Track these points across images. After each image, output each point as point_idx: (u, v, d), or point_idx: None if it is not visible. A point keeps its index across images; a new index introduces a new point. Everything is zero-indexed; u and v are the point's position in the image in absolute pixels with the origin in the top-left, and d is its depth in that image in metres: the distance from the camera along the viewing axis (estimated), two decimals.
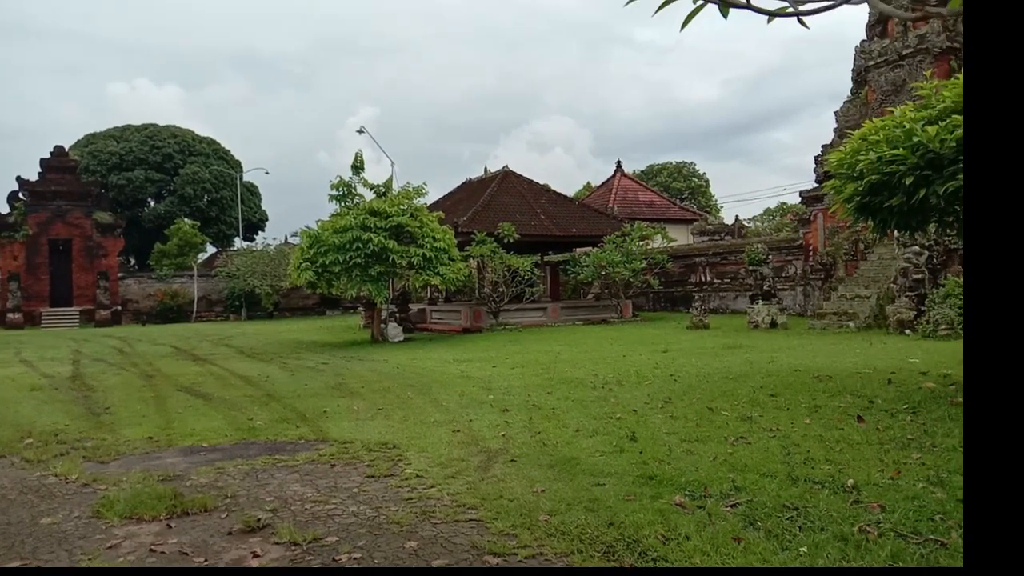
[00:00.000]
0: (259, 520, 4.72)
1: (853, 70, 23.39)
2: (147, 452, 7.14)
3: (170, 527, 4.74)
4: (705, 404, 8.44)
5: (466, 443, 6.90)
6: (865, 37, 23.05)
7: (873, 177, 8.02)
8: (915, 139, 7.50)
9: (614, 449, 6.35)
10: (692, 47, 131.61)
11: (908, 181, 7.50)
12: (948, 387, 8.88)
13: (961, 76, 7.90)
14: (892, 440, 6.30)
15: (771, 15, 3.79)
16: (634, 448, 6.34)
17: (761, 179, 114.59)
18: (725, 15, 3.84)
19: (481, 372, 12.53)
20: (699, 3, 3.75)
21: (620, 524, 4.39)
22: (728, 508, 4.63)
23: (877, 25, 22.58)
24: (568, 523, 4.46)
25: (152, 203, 52.49)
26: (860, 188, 8.31)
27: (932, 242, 18.41)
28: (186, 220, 48.03)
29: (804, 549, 3.92)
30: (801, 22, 4.86)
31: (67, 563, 4.19)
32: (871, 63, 22.28)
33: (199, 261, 45.86)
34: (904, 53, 21.29)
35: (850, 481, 5.05)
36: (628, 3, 3.36)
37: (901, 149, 7.61)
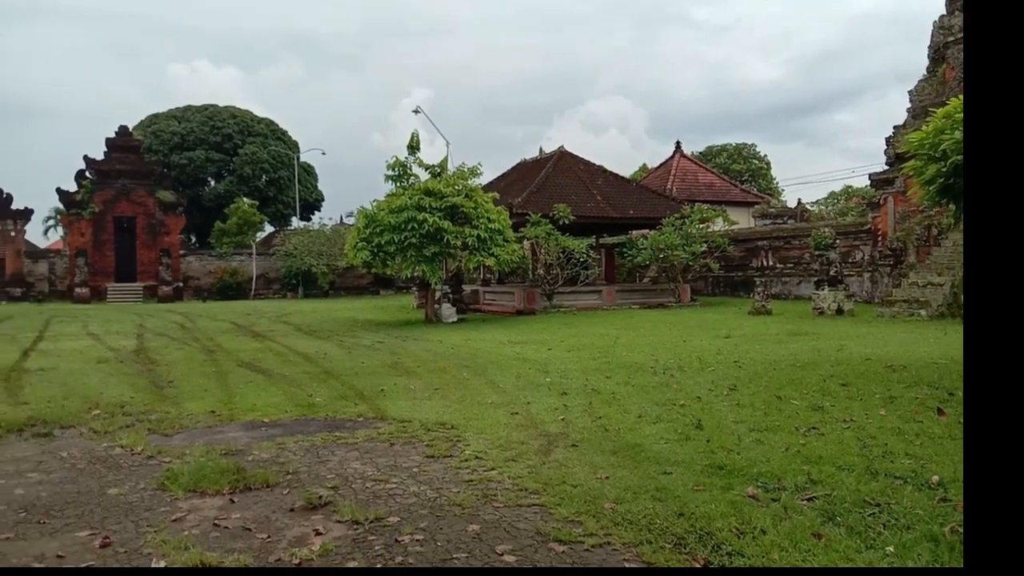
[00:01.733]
0: (321, 497, 4.68)
1: (930, 47, 22.35)
2: (210, 426, 7.21)
3: (233, 502, 4.74)
4: (772, 392, 8.14)
5: (525, 426, 6.77)
6: (945, 12, 21.96)
7: (958, 158, 7.57)
8: None
9: (679, 437, 6.14)
10: (751, 26, 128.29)
11: None
12: None
13: None
14: None
15: None
16: (700, 436, 6.12)
17: (823, 161, 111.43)
18: None
19: (536, 354, 12.39)
20: None
21: (690, 515, 4.20)
22: (804, 502, 4.40)
23: None
24: (635, 512, 4.29)
25: (212, 182, 53.73)
26: (943, 169, 7.87)
27: None
28: (245, 199, 49.01)
29: (891, 548, 3.68)
30: None
31: (133, 534, 4.21)
32: (951, 39, 21.23)
33: (257, 240, 46.82)
34: None
35: (935, 477, 4.76)
36: None
37: None
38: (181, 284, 40.27)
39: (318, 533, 4.15)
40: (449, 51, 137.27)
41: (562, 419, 7.00)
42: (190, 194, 47.77)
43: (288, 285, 42.02)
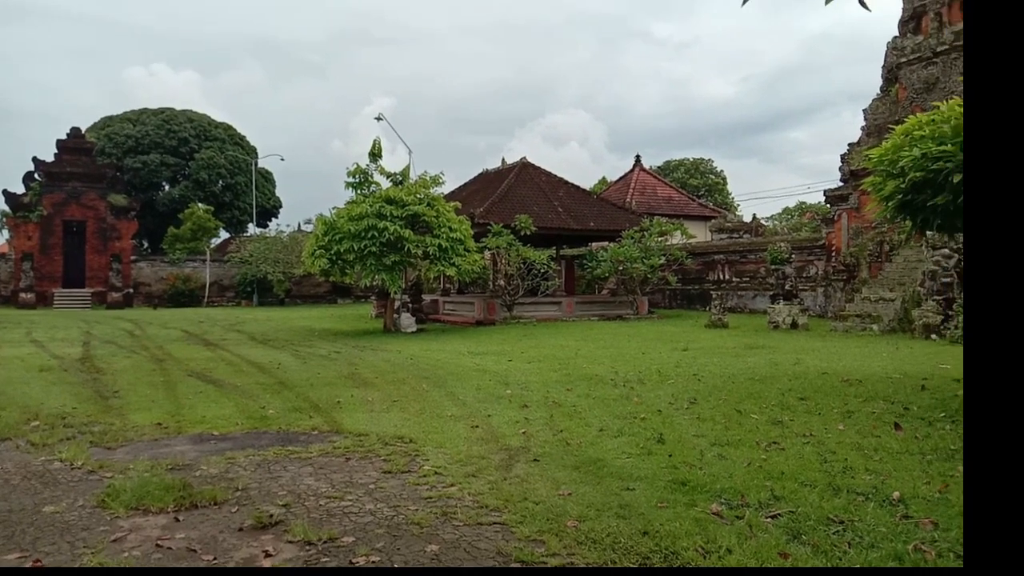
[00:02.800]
0: (271, 516, 4.47)
1: (884, 67, 22.90)
2: (156, 439, 6.92)
3: (178, 520, 4.50)
4: (732, 406, 8.13)
5: (485, 439, 6.63)
6: (897, 33, 22.54)
7: (917, 174, 7.67)
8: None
9: (641, 451, 6.06)
10: (710, 43, 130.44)
11: (956, 179, 7.14)
12: None
13: None
14: (933, 450, 5.98)
15: None
16: (662, 451, 6.05)
17: (777, 178, 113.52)
18: None
19: (497, 366, 12.26)
20: None
21: (655, 533, 4.11)
22: (769, 519, 4.34)
23: (911, 21, 22.07)
24: (599, 530, 4.18)
25: (167, 187, 52.50)
26: (902, 185, 7.95)
27: (961, 245, 17.98)
28: (200, 205, 47.99)
29: (857, 567, 3.63)
30: (863, 3, 4.53)
31: (68, 556, 3.96)
32: (903, 60, 21.79)
33: (212, 246, 45.81)
34: (938, 50, 20.79)
35: (896, 494, 4.75)
36: None
37: (949, 145, 7.26)
38: (132, 290, 39.17)
39: (268, 555, 3.95)
40: (413, 60, 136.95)
41: (523, 432, 6.87)
42: (143, 198, 46.55)
43: (243, 293, 41.18)
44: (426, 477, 5.39)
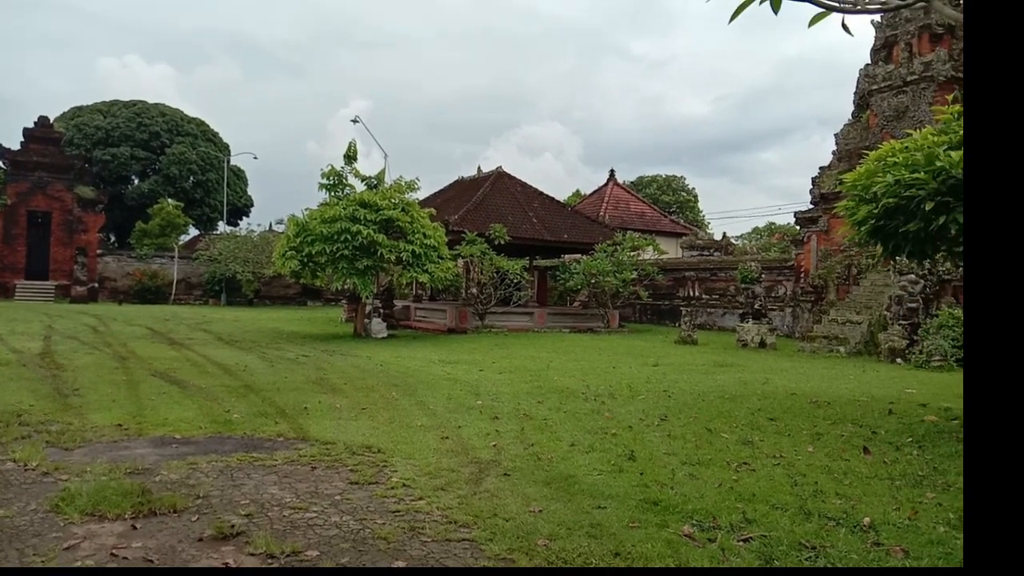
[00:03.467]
0: (233, 526, 4.34)
1: (856, 93, 23.28)
2: (115, 440, 6.71)
3: (135, 528, 4.34)
4: (703, 424, 8.13)
5: (455, 452, 6.53)
6: (870, 61, 22.94)
7: (890, 200, 7.76)
8: (937, 164, 7.24)
9: (612, 468, 6.01)
10: (686, 62, 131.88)
11: (928, 207, 7.24)
12: (951, 421, 8.65)
13: None
14: (902, 476, 6.01)
15: (836, 10, 3.48)
16: (634, 468, 6.01)
17: (748, 198, 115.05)
18: (776, 9, 3.56)
19: (468, 375, 12.16)
20: None
21: (627, 555, 4.05)
22: (740, 543, 4.31)
23: (883, 50, 22.49)
24: (570, 550, 4.12)
25: (136, 181, 51.58)
26: (875, 211, 8.04)
27: (927, 271, 18.30)
28: (170, 200, 47.17)
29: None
30: (846, 28, 4.56)
31: (16, 564, 3.78)
32: (874, 87, 22.17)
33: (181, 243, 45.05)
34: (908, 79, 21.20)
35: (866, 519, 4.75)
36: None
37: (922, 173, 7.36)
38: (96, 285, 38.33)
39: (228, 567, 3.82)
40: (392, 64, 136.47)
41: (494, 445, 6.79)
42: (112, 192, 45.64)
43: (210, 291, 40.53)
44: (394, 489, 5.29)
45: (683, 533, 4.42)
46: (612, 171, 45.46)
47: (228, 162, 52.31)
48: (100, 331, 18.99)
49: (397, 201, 19.87)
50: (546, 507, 4.90)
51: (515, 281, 24.05)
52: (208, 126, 55.51)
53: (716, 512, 4.85)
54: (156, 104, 53.44)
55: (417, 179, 20.76)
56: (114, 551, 3.98)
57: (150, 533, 4.28)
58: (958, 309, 17.05)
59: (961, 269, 17.02)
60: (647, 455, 6.53)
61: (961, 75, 20.52)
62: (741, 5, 3.32)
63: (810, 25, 4.59)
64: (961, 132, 7.57)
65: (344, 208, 18.98)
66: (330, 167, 20.30)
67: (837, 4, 3.21)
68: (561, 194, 49.73)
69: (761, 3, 3.43)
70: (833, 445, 7.22)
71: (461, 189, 28.74)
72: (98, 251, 39.30)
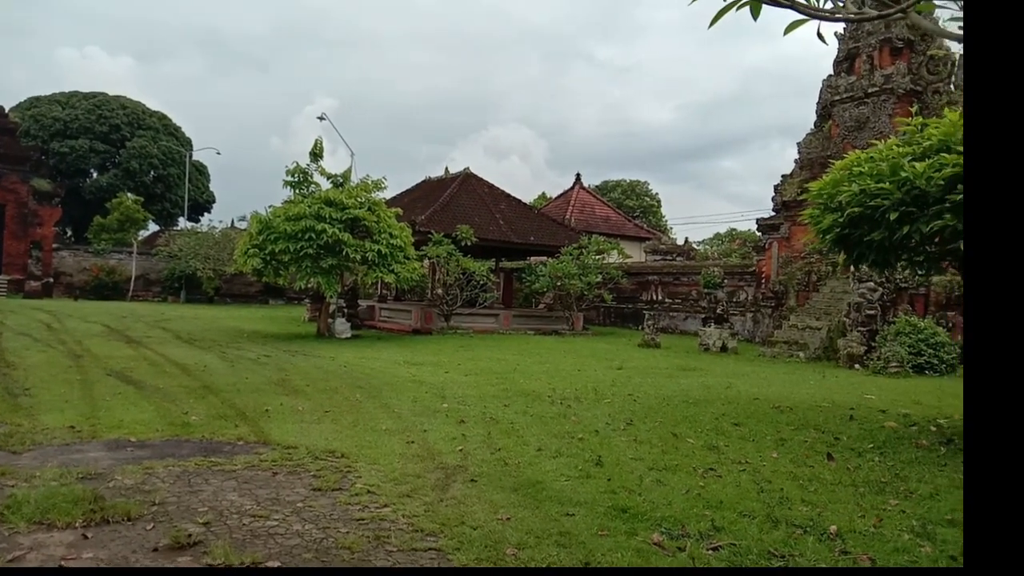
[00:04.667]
0: (190, 535, 4.19)
1: (818, 103, 23.66)
2: (67, 443, 6.47)
3: (86, 537, 4.17)
4: (668, 429, 8.14)
5: (421, 456, 6.43)
6: (832, 72, 23.33)
7: (855, 209, 7.86)
8: (902, 174, 7.35)
9: (580, 474, 5.97)
10: (650, 69, 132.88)
11: (893, 216, 7.34)
12: (909, 428, 8.79)
13: (948, 114, 7.80)
14: (865, 482, 6.07)
15: (818, 17, 3.47)
16: (601, 474, 5.97)
17: (709, 204, 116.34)
18: (756, 15, 3.54)
19: (434, 377, 12.04)
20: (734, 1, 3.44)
21: (597, 564, 4.00)
22: (710, 551, 4.28)
23: (845, 61, 22.89)
24: (539, 559, 4.05)
25: (95, 174, 50.39)
26: (840, 219, 8.14)
27: (884, 279, 18.64)
28: (129, 195, 46.12)
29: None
30: (820, 37, 4.57)
31: None
32: (837, 98, 22.56)
33: (140, 238, 44.09)
34: (869, 91, 21.60)
35: (832, 527, 4.77)
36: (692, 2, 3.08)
37: (887, 183, 7.46)
38: (52, 280, 37.26)
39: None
40: (359, 63, 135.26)
41: (460, 450, 6.70)
42: (69, 185, 44.47)
43: (170, 288, 39.68)
44: (358, 496, 5.17)
45: (652, 541, 4.39)
46: (578, 175, 45.63)
47: (190, 157, 51.37)
48: (54, 328, 18.44)
49: (363, 200, 19.64)
50: (514, 514, 4.82)
51: (481, 282, 23.95)
52: (170, 120, 54.47)
53: (685, 520, 4.82)
54: (117, 96, 52.28)
55: (384, 178, 20.59)
56: (63, 561, 3.81)
57: (102, 543, 4.11)
58: (914, 316, 17.41)
59: (918, 277, 17.35)
60: (614, 460, 6.50)
61: (919, 88, 20.99)
62: (721, 10, 3.29)
63: (786, 32, 4.60)
64: (925, 143, 7.70)
65: (309, 206, 18.70)
66: (295, 164, 20.01)
67: (815, 10, 3.21)
68: (527, 197, 49.72)
69: (739, 9, 3.40)
70: (797, 451, 7.27)
71: (428, 189, 28.55)
72: (54, 245, 38.23)
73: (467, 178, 27.68)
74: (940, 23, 9.71)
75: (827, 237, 8.64)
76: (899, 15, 3.38)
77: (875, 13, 3.08)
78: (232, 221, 45.64)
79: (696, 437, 7.78)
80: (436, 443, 6.98)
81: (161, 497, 4.97)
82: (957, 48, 20.93)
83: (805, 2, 3.15)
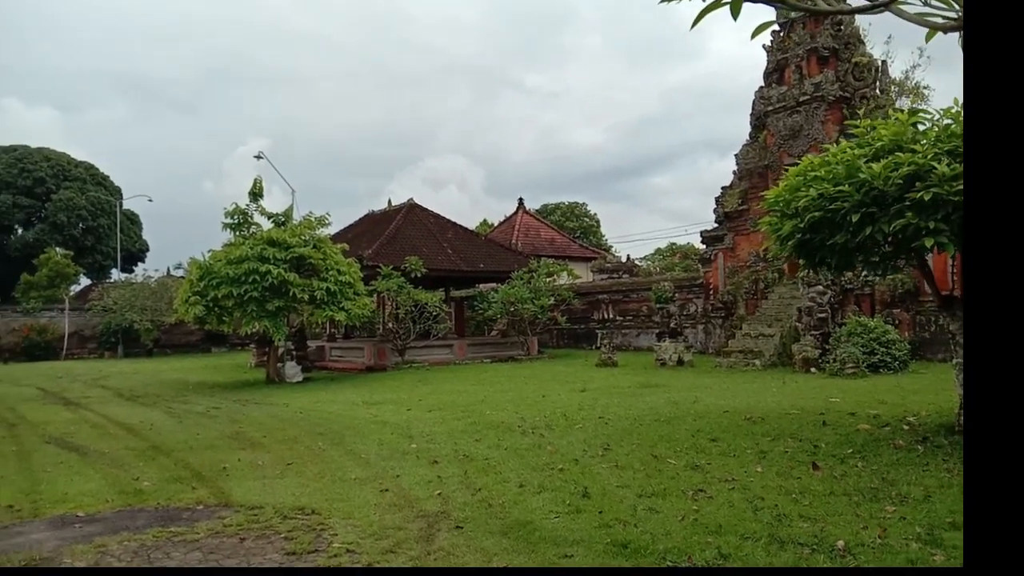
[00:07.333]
0: None
1: (752, 114, 24.14)
2: (6, 526, 5.88)
3: None
4: (647, 451, 7.93)
5: (398, 505, 6.05)
6: (763, 84, 23.88)
7: (815, 214, 7.84)
8: (860, 176, 7.36)
9: (569, 509, 5.68)
10: (578, 94, 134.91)
11: (854, 218, 7.33)
12: (882, 428, 8.77)
13: (896, 115, 7.89)
14: (857, 491, 5.94)
15: (800, 9, 3.35)
16: (591, 507, 5.70)
17: (644, 221, 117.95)
18: (736, 15, 3.40)
19: (396, 416, 11.61)
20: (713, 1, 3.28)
21: None
22: None
23: (774, 72, 23.45)
24: None
25: (20, 230, 48.29)
26: (801, 225, 8.11)
27: (830, 282, 18.97)
28: (58, 249, 44.28)
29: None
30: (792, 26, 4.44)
31: None
32: (770, 108, 23.05)
33: (71, 294, 42.26)
34: (801, 100, 22.13)
35: (839, 543, 4.59)
36: (662, 1, 2.92)
37: (846, 186, 7.46)
38: None
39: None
40: (288, 102, 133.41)
41: (438, 494, 6.34)
42: None
43: (106, 344, 38.06)
44: (337, 557, 4.78)
45: None
46: (521, 199, 45.76)
47: (120, 206, 49.74)
48: None
49: (308, 238, 19.13)
50: (509, 561, 4.51)
51: (434, 314, 23.55)
52: (97, 169, 52.77)
53: (688, 549, 4.58)
54: (40, 148, 50.42)
55: (328, 214, 20.12)
56: None
57: None
58: (863, 316, 17.72)
59: (875, 277, 17.69)
60: (600, 490, 6.24)
61: (847, 94, 21.60)
62: (703, 10, 3.14)
63: (753, 36, 4.47)
64: (877, 144, 7.75)
65: (251, 247, 18.10)
66: (234, 205, 19.42)
67: (801, 4, 3.10)
68: (468, 224, 49.61)
69: (719, 7, 3.23)
70: (780, 463, 7.14)
71: (373, 223, 28.11)
72: None
73: (412, 209, 27.36)
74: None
75: (788, 244, 8.62)
76: (879, 9, 3.28)
77: (857, 5, 2.98)
78: (168, 269, 44.12)
79: (677, 457, 7.58)
80: (411, 488, 6.61)
81: None
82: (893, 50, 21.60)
83: None
